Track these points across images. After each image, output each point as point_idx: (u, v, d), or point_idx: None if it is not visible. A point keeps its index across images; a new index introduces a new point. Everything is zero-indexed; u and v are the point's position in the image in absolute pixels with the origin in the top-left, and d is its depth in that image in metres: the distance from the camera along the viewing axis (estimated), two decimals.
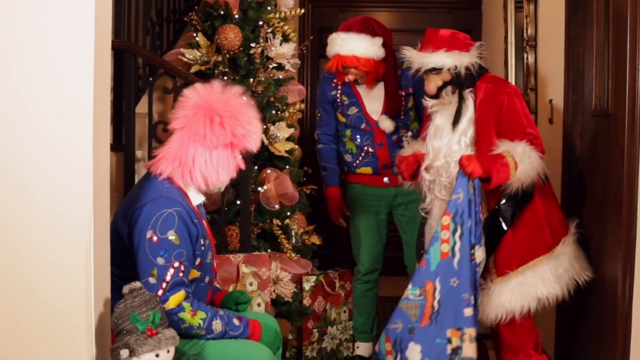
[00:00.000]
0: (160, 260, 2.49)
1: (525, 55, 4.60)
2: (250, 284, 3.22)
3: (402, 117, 4.13)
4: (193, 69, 3.99)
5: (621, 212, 2.96)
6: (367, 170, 4.19)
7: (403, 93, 4.16)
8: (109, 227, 2.35)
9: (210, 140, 2.56)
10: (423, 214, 3.58)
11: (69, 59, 2.13)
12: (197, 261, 2.64)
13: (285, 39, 4.19)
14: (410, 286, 3.24)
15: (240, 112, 2.62)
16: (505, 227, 3.33)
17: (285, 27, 4.18)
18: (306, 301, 4.09)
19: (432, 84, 3.42)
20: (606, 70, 3.28)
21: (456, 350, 3.17)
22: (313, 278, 4.15)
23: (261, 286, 3.23)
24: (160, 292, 2.47)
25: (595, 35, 3.44)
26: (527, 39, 4.56)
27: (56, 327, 2.15)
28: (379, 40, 3.98)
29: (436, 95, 3.45)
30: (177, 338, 2.25)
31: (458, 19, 6.64)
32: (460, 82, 3.39)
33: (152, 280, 2.49)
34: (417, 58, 3.41)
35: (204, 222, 2.77)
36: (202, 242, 2.65)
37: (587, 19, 3.56)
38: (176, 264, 2.51)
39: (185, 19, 4.32)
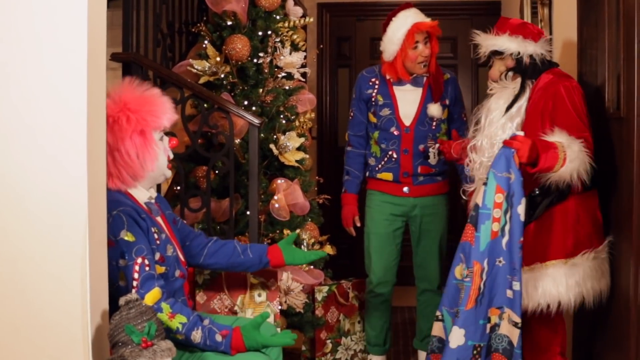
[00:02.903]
0: (123, 262, 2.49)
1: None
2: (259, 295, 3.20)
3: (434, 127, 4.11)
4: (202, 80, 3.99)
5: (632, 216, 2.91)
6: (388, 176, 4.16)
7: (441, 103, 4.16)
8: (106, 239, 2.35)
9: (114, 142, 2.54)
10: (464, 197, 3.55)
11: (65, 70, 2.13)
12: (157, 256, 2.61)
13: (295, 48, 4.18)
14: (461, 265, 3.15)
15: (128, 100, 2.58)
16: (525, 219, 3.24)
17: (295, 37, 4.17)
18: (319, 312, 4.07)
19: (496, 68, 3.46)
20: (619, 73, 3.22)
21: (494, 328, 3.11)
22: (325, 288, 4.12)
23: (270, 297, 3.21)
24: (133, 292, 2.45)
25: (607, 38, 3.39)
26: None
27: (53, 338, 2.14)
28: None
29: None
30: (174, 350, 2.23)
31: (477, 24, 6.53)
32: (522, 69, 3.39)
33: (122, 283, 2.49)
34: (482, 40, 3.45)
35: (159, 218, 2.75)
36: (155, 235, 2.63)
37: (599, 22, 3.51)
38: (139, 260, 2.50)
39: (193, 29, 4.33)
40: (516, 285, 3.08)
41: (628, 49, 3.03)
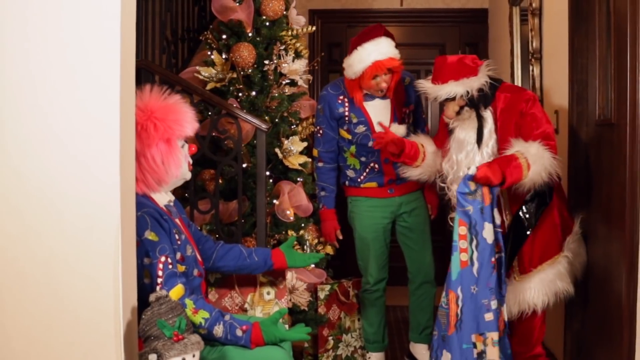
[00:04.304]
0: (147, 260, 2.63)
1: (530, 68, 4.69)
2: (268, 293, 3.33)
3: (405, 134, 4.18)
4: (209, 86, 4.11)
5: (624, 218, 3.06)
6: (373, 184, 4.28)
7: (407, 111, 4.27)
8: (135, 239, 2.47)
9: (141, 149, 2.68)
10: (451, 223, 3.67)
11: (96, 81, 2.22)
12: (178, 255, 2.75)
13: (298, 55, 4.29)
14: (443, 294, 3.37)
15: (154, 109, 2.71)
16: (527, 232, 3.52)
17: (298, 44, 4.29)
18: (321, 309, 4.20)
19: (450, 110, 3.62)
20: (609, 82, 3.37)
21: (481, 355, 3.29)
22: (327, 287, 4.25)
23: (278, 295, 3.34)
24: (158, 289, 2.59)
25: (598, 48, 3.54)
26: (532, 51, 4.66)
27: (87, 335, 2.24)
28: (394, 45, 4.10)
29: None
30: (202, 343, 2.36)
31: (465, 32, 6.75)
32: (475, 103, 3.56)
33: (146, 281, 2.63)
34: (431, 91, 3.59)
35: (177, 220, 2.89)
36: (177, 236, 2.77)
37: (590, 32, 3.66)
38: (162, 259, 2.64)
39: (200, 37, 4.43)
40: (494, 305, 3.29)
41: (619, 59, 3.17)
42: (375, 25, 4.16)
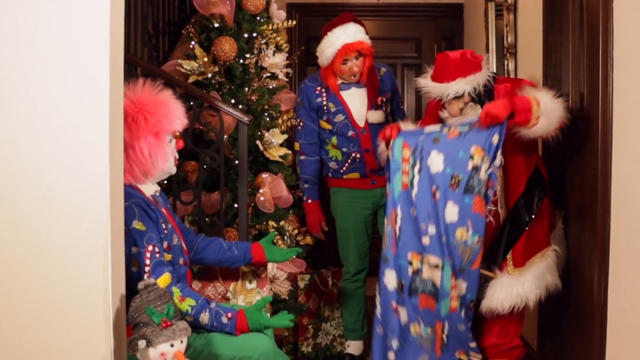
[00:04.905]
0: (135, 249, 2.69)
1: (506, 62, 4.76)
2: (250, 282, 3.39)
3: (383, 122, 4.24)
4: (191, 79, 4.16)
5: (596, 209, 3.14)
6: (355, 175, 4.31)
7: (384, 99, 4.31)
8: (124, 229, 2.53)
9: (130, 140, 2.73)
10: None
11: (86, 73, 2.27)
12: (165, 244, 2.81)
13: (278, 49, 4.35)
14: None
15: (146, 102, 2.77)
16: (527, 222, 3.51)
17: (278, 38, 4.34)
18: (301, 299, 4.27)
19: (455, 107, 3.55)
20: (581, 77, 3.44)
21: (417, 272, 3.41)
22: (307, 277, 4.32)
23: (260, 284, 3.40)
24: (145, 278, 2.64)
25: (571, 43, 3.61)
26: (507, 46, 4.73)
27: (77, 322, 2.29)
28: (365, 32, 4.16)
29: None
30: (190, 329, 2.41)
31: (440, 26, 6.83)
32: (482, 99, 3.51)
33: (134, 269, 2.68)
34: (436, 90, 3.52)
35: (164, 209, 2.95)
36: (163, 225, 2.83)
37: (563, 28, 3.73)
38: (150, 248, 2.70)
39: (182, 31, 4.47)
40: (431, 230, 3.35)
41: (591, 54, 3.25)
42: (345, 13, 4.24)
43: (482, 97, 3.50)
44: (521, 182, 3.55)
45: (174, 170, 2.96)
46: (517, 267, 3.52)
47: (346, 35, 4.07)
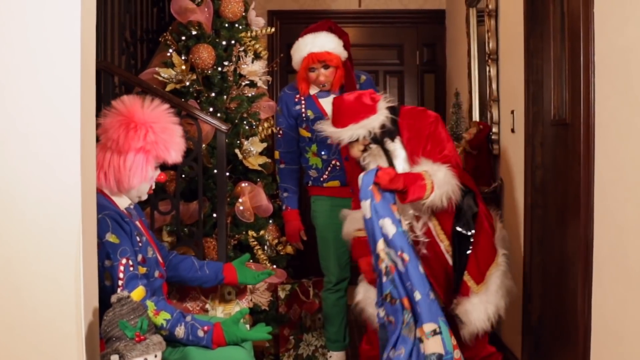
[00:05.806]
0: (108, 262, 2.63)
1: (487, 68, 4.77)
2: (229, 293, 3.33)
3: None
4: (168, 87, 4.10)
5: (579, 215, 3.12)
6: (335, 183, 4.28)
7: None
8: (97, 240, 2.47)
9: (122, 145, 2.69)
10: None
11: (58, 80, 2.22)
12: (139, 257, 2.76)
13: (257, 56, 4.32)
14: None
15: (156, 121, 2.75)
16: (470, 240, 3.51)
17: (257, 46, 4.31)
18: (282, 309, 4.22)
19: (356, 150, 3.57)
20: (563, 82, 3.44)
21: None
22: (288, 287, 4.27)
23: (239, 295, 3.35)
24: (119, 291, 2.59)
25: (553, 49, 3.61)
26: (489, 52, 4.73)
27: (48, 336, 2.23)
28: (341, 42, 4.12)
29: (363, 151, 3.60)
30: (164, 343, 2.36)
31: (423, 33, 6.83)
32: (379, 140, 3.52)
33: (107, 283, 2.63)
34: (333, 135, 3.55)
35: (138, 222, 2.90)
36: (138, 238, 2.77)
37: (545, 34, 3.74)
38: (124, 261, 2.65)
39: (160, 39, 4.42)
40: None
41: (573, 60, 3.24)
42: (324, 20, 4.22)
43: (380, 138, 3.51)
44: (450, 208, 3.52)
45: (144, 196, 2.91)
46: (478, 283, 3.52)
47: (313, 43, 4.06)
